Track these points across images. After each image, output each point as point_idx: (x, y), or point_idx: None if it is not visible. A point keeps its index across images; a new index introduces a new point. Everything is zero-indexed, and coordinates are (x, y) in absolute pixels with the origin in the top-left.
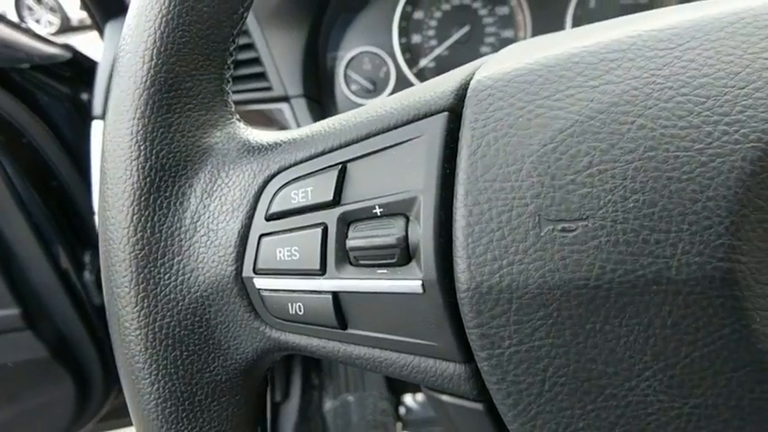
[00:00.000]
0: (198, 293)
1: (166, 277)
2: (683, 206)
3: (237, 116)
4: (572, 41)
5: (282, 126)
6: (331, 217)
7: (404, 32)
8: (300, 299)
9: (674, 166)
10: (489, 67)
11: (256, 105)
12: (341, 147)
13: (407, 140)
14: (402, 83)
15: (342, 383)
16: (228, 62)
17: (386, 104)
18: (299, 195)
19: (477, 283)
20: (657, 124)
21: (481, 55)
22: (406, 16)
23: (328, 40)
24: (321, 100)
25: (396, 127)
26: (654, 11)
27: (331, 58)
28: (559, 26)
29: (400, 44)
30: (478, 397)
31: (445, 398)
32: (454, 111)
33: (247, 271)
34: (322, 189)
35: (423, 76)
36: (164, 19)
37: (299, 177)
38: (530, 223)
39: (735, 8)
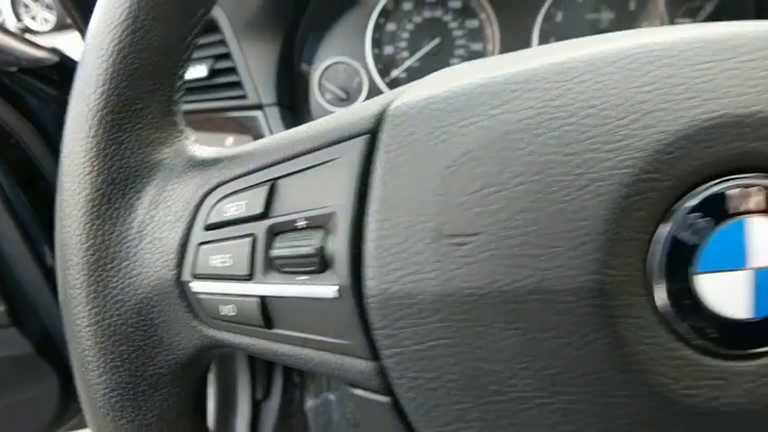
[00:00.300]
0: (143, 295)
1: (114, 280)
2: (563, 225)
3: (186, 134)
4: (485, 71)
5: (257, 133)
6: (260, 228)
7: (376, 44)
8: (232, 301)
9: (557, 188)
10: (407, 95)
11: (233, 113)
12: (272, 165)
13: (330, 160)
14: (375, 92)
15: (323, 382)
16: (178, 85)
17: (314, 127)
18: (233, 208)
19: (383, 289)
20: (545, 151)
21: (451, 66)
22: (378, 28)
23: (303, 51)
24: (296, 108)
25: (321, 148)
26: (565, 42)
27: (306, 68)
28: (526, 39)
29: (373, 55)
30: (386, 391)
31: (358, 392)
32: (373, 134)
33: (186, 275)
34: (253, 203)
35: (395, 85)
36: (116, 47)
37: (235, 191)
38: (430, 237)
39: (623, 46)
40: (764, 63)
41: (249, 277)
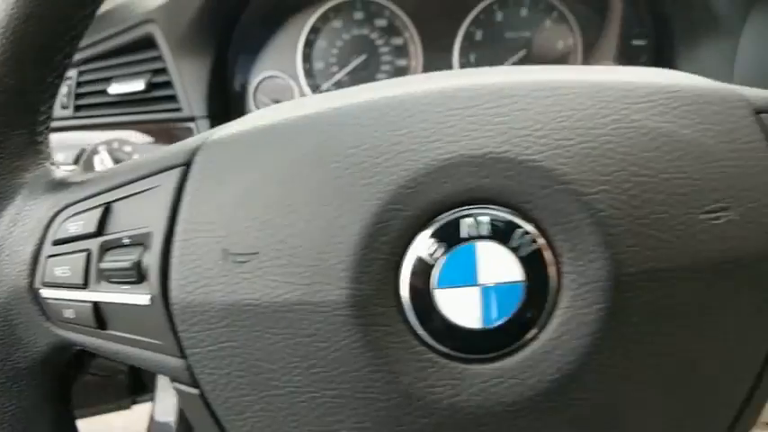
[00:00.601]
0: (3, 300)
1: None
2: (322, 247)
3: (51, 161)
4: (280, 114)
5: None
6: (94, 245)
7: (307, 59)
8: (72, 306)
9: (320, 216)
10: (220, 132)
11: (169, 125)
12: (108, 190)
13: (153, 187)
14: None
15: None
16: (41, 119)
17: (144, 158)
18: (74, 227)
19: (182, 299)
20: (315, 185)
21: (377, 80)
22: (309, 44)
23: (237, 66)
24: (232, 120)
25: (147, 176)
26: (349, 89)
27: (241, 82)
28: (448, 57)
29: (304, 70)
30: (195, 385)
31: (176, 384)
32: (187, 165)
33: (38, 283)
34: (89, 223)
35: None
36: None
37: (78, 212)
38: (219, 256)
39: (390, 94)
40: (501, 110)
41: (84, 286)
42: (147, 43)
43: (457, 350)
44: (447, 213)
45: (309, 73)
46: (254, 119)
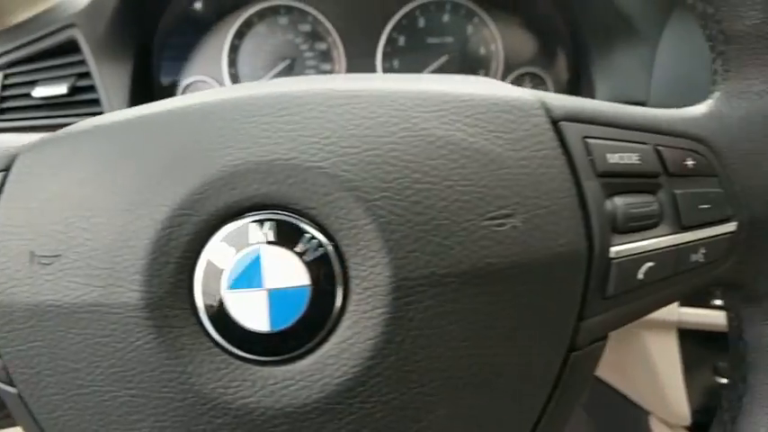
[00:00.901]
0: None
1: None
2: (116, 251)
3: None
4: (94, 122)
5: None
6: None
7: (233, 63)
8: None
9: (114, 219)
10: (36, 138)
11: None
12: None
13: None
14: None
15: None
16: None
17: None
18: None
19: None
20: (112, 188)
21: None
22: (234, 49)
23: (162, 70)
24: None
25: None
26: (176, 98)
27: (168, 86)
28: (371, 62)
29: (229, 74)
30: (12, 384)
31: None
32: (7, 170)
33: None
34: None
35: None
36: None
37: None
38: (26, 258)
39: (190, 102)
40: (294, 118)
41: None
42: (71, 47)
43: (248, 352)
44: (236, 219)
45: (235, 77)
46: (76, 126)
